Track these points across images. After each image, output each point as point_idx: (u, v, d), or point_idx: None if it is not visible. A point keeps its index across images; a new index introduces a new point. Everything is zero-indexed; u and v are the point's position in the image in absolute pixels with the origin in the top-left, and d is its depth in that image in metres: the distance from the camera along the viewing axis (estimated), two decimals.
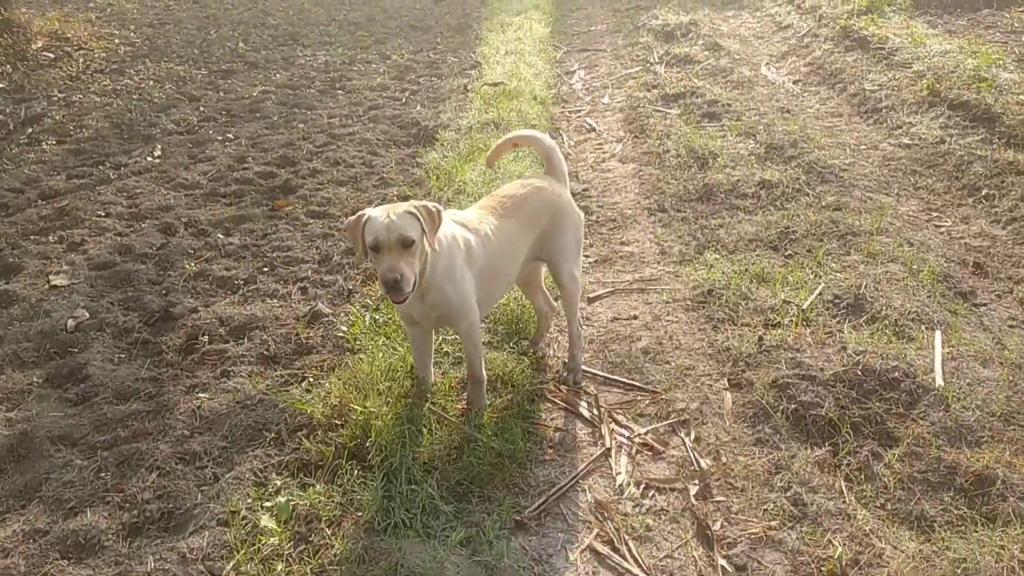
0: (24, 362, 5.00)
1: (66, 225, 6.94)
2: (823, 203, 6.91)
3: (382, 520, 3.48)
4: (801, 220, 6.61)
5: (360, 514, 3.50)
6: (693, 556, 3.38)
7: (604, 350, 4.93)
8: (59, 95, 10.91)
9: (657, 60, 12.44)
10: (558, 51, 13.91)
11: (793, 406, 4.13)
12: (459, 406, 4.15)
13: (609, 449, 3.98)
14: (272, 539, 3.36)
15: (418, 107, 10.17)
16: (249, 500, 3.73)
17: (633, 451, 3.99)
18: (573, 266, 4.45)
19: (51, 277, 6.01)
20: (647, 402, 4.38)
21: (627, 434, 4.10)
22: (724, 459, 3.86)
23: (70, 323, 5.34)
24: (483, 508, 3.62)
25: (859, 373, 4.25)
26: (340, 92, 10.95)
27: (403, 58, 12.75)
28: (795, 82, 11.26)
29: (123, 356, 5.02)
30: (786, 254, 6.18)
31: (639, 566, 3.34)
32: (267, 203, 7.30)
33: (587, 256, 6.55)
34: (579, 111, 10.65)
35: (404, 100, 10.49)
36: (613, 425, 4.16)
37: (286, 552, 3.34)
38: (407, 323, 4.13)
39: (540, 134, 4.63)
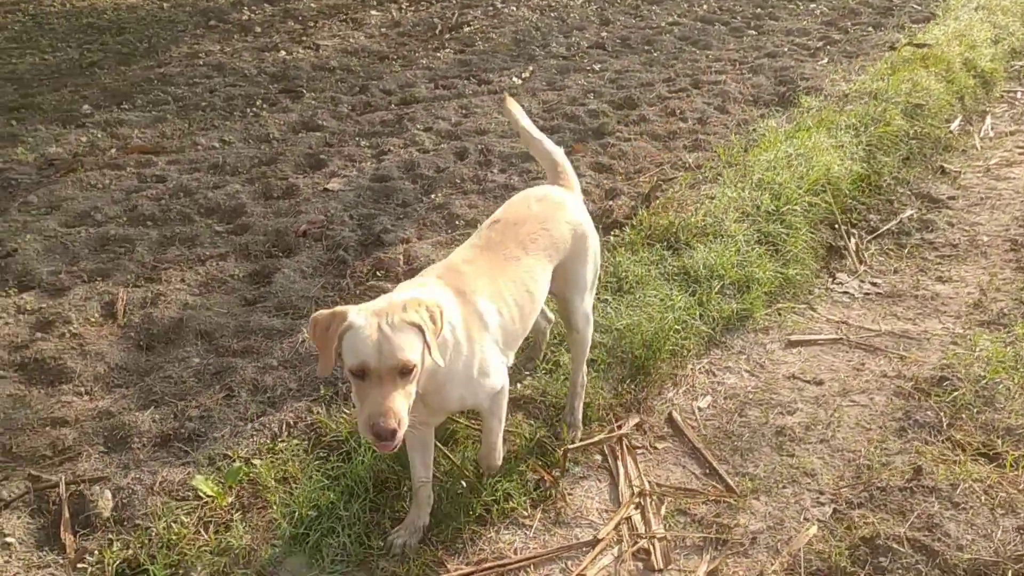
0: (248, 254, 5.53)
1: (392, 133, 7.43)
2: None
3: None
4: None
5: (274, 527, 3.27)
6: None
7: (737, 413, 3.93)
8: (498, 5, 11.54)
9: None
10: None
11: None
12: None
13: (598, 540, 3.19)
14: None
15: (824, 61, 8.85)
16: (253, 449, 3.74)
17: (626, 554, 3.15)
18: (588, 304, 3.56)
19: (332, 180, 6.51)
20: (710, 497, 3.41)
21: (642, 530, 3.24)
22: None
23: (302, 227, 5.75)
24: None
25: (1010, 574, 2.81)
26: (751, 32, 9.96)
27: None
28: None
29: (313, 271, 5.29)
30: None
31: None
32: (570, 145, 7.01)
33: (875, 285, 5.25)
34: None
35: (812, 51, 9.19)
36: (633, 512, 3.31)
37: (191, 517, 3.28)
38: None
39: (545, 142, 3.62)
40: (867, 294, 5.18)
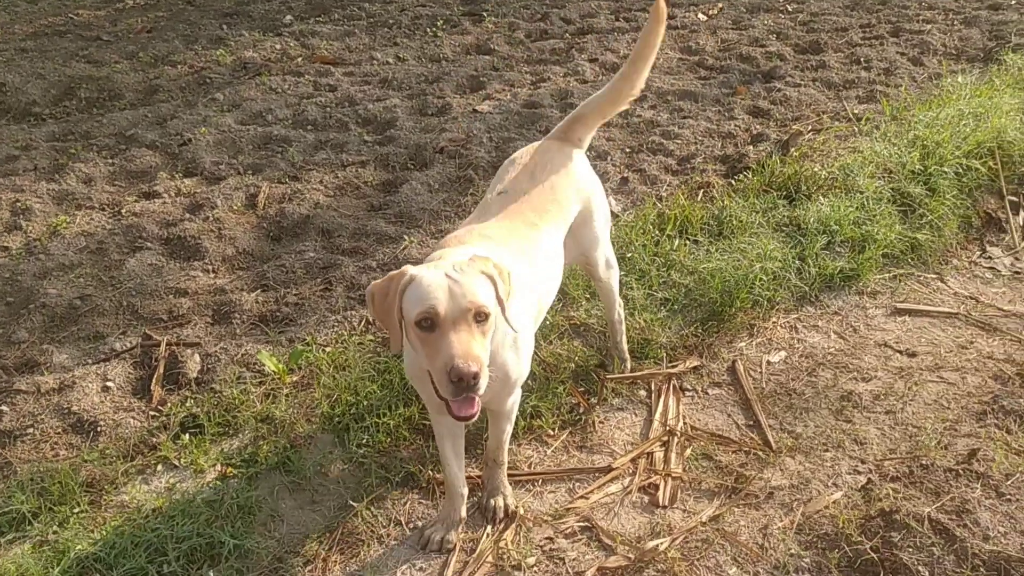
0: (387, 164, 5.83)
1: (559, 61, 7.46)
2: None
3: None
4: None
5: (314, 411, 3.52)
6: None
7: (807, 372, 3.75)
8: None
9: None
10: None
11: (876, 569, 2.73)
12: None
13: (611, 469, 3.20)
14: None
15: None
16: (330, 338, 4.02)
17: (634, 487, 3.15)
18: (607, 251, 3.41)
19: (484, 103, 6.66)
20: (743, 450, 3.31)
21: (659, 467, 3.21)
22: None
23: (441, 144, 5.97)
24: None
25: None
26: None
27: None
28: None
29: (440, 187, 5.49)
30: None
31: None
32: (733, 87, 6.76)
33: None
34: None
35: None
36: (657, 449, 3.28)
37: (258, 389, 3.60)
38: (436, 411, 2.82)
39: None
40: (1017, 273, 4.70)
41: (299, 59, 7.62)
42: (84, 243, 4.87)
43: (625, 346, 3.69)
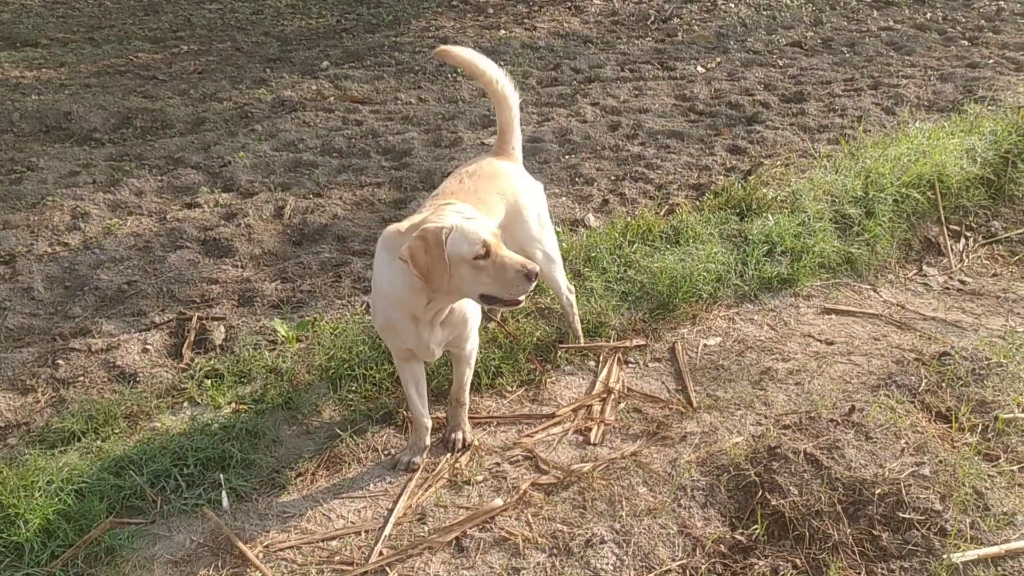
0: (400, 186, 6.60)
1: (563, 105, 8.25)
2: None
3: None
4: None
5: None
6: None
7: (736, 354, 4.38)
8: (719, 1, 11.96)
9: None
10: None
11: (756, 489, 3.35)
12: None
13: (555, 416, 3.86)
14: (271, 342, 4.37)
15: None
16: (335, 317, 4.75)
17: (571, 430, 3.80)
18: (545, 246, 3.99)
19: (492, 137, 7.44)
20: (669, 407, 3.95)
21: (596, 417, 3.86)
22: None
23: (449, 169, 6.73)
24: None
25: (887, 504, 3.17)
26: (963, 42, 9.74)
27: None
28: None
29: None
30: None
31: None
32: (718, 129, 7.47)
33: (962, 283, 5.39)
34: None
35: (1020, 65, 8.88)
36: (595, 403, 3.93)
37: (271, 353, 4.32)
38: (402, 357, 3.56)
39: (493, 70, 3.92)
40: (947, 289, 5.29)
41: (331, 98, 8.49)
42: (133, 242, 5.66)
43: (579, 326, 4.36)
